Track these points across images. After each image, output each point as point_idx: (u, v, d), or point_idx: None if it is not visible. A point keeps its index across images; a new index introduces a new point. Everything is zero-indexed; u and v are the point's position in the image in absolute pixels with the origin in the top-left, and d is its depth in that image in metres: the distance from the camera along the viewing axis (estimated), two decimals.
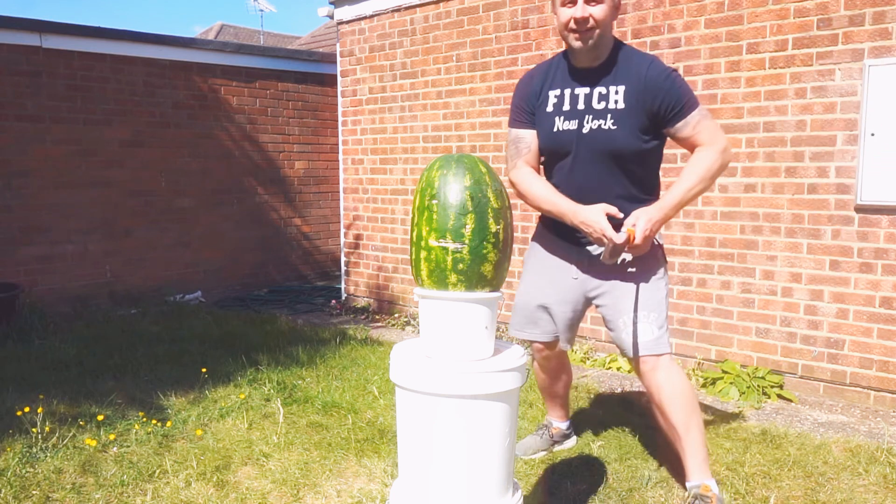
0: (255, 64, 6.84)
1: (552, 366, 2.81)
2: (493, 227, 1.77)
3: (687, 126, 2.35)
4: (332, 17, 6.09)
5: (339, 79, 6.09)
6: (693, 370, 4.09)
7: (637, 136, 2.37)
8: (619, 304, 2.46)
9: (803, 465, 2.79)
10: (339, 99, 6.09)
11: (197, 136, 6.50)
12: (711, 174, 2.35)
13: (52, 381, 3.78)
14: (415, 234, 1.81)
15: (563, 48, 2.50)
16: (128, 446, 2.95)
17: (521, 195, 2.53)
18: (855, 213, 3.58)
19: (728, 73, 3.92)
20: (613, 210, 2.30)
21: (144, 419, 3.19)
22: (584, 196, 2.38)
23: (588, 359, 4.39)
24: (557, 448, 2.98)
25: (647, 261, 2.46)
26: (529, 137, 2.52)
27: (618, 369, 4.21)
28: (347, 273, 6.21)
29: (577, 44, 2.35)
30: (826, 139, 3.64)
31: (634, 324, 2.43)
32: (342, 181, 6.16)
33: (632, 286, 2.46)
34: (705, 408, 3.56)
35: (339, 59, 6.07)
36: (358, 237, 6.07)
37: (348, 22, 5.91)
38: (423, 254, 1.79)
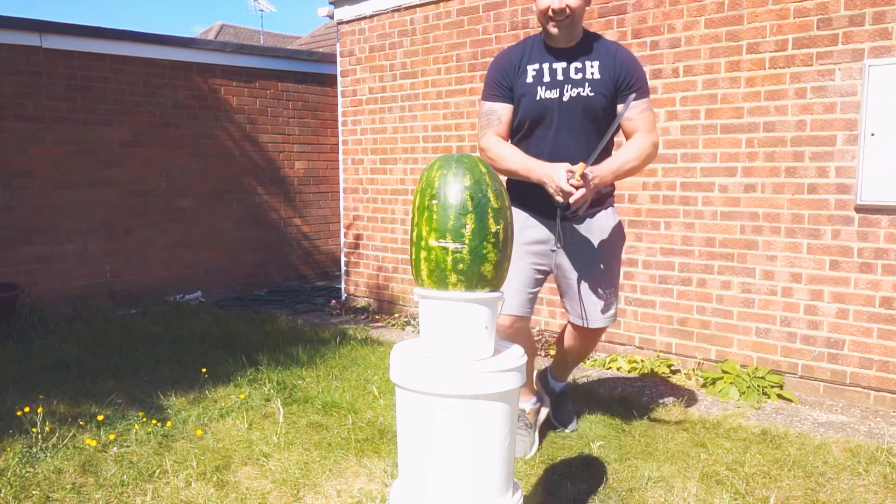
0: (255, 64, 6.84)
1: (520, 339, 2.83)
2: (493, 227, 1.77)
3: (635, 108, 2.66)
4: (332, 17, 6.09)
5: (339, 79, 6.09)
6: (693, 370, 4.09)
7: (610, 102, 2.68)
8: (594, 282, 2.78)
9: (803, 465, 2.79)
10: (339, 99, 6.09)
11: (197, 136, 6.50)
12: (644, 157, 2.65)
13: (52, 381, 3.78)
14: (415, 234, 1.81)
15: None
16: (128, 446, 2.95)
17: (489, 160, 2.68)
18: (855, 213, 3.59)
19: (728, 73, 3.92)
20: (570, 166, 2.50)
21: (144, 419, 3.19)
22: (562, 156, 2.60)
23: (588, 359, 4.39)
24: (541, 423, 3.06)
25: (615, 238, 2.80)
26: (501, 110, 2.74)
27: (618, 369, 4.21)
28: (347, 273, 6.21)
29: (554, 30, 2.63)
30: (826, 139, 3.64)
31: (604, 300, 2.80)
32: (342, 181, 6.16)
33: (602, 265, 2.78)
34: (706, 408, 3.56)
35: (339, 59, 6.07)
36: (358, 237, 6.07)
37: (348, 22, 5.92)
38: (423, 254, 1.79)
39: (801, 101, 3.70)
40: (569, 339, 3.00)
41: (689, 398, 3.71)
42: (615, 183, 2.82)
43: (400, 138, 5.62)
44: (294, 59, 7.23)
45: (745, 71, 3.86)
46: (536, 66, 2.69)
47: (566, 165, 2.48)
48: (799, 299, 3.78)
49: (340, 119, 6.10)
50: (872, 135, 3.47)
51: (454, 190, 1.76)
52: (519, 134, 2.76)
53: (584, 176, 2.42)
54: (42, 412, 3.11)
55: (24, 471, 2.70)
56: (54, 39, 5.62)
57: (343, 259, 6.23)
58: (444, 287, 1.78)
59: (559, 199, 2.49)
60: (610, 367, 4.26)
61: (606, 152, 2.72)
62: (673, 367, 4.16)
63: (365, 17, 5.77)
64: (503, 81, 2.72)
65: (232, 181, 6.76)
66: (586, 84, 2.65)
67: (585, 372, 4.17)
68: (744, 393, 3.67)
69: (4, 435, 3.02)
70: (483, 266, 1.77)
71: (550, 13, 2.58)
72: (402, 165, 5.63)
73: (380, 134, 5.78)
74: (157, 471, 2.72)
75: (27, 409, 3.17)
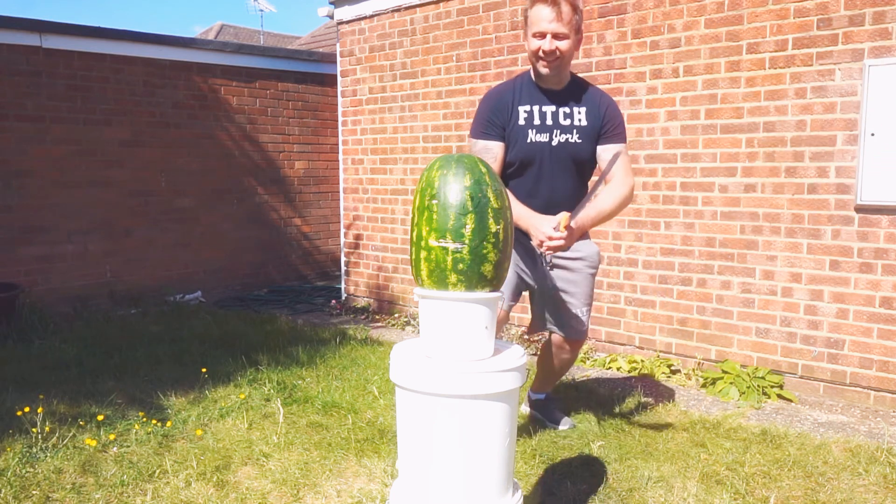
0: (255, 64, 6.84)
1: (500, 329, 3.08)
2: (493, 227, 1.77)
3: (612, 151, 2.77)
4: (332, 17, 6.09)
5: (339, 79, 6.09)
6: (693, 370, 4.09)
7: (594, 148, 2.83)
8: (574, 299, 2.93)
9: (803, 465, 2.79)
10: (339, 99, 6.09)
11: (197, 136, 6.50)
12: (621, 202, 2.75)
13: (52, 381, 3.78)
14: (415, 234, 1.81)
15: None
16: (128, 446, 2.95)
17: None
18: (855, 213, 3.59)
19: (728, 73, 3.92)
20: (558, 222, 2.54)
21: (144, 419, 3.19)
22: (548, 196, 2.77)
23: (588, 359, 4.39)
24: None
25: (593, 263, 2.94)
26: (496, 149, 2.81)
27: (618, 369, 4.21)
28: (347, 273, 6.21)
29: (544, 70, 2.73)
30: (826, 139, 3.64)
31: (583, 315, 2.96)
32: (342, 181, 6.16)
33: (583, 284, 2.92)
34: (706, 408, 3.56)
35: (339, 59, 6.07)
36: (358, 237, 6.07)
37: (348, 22, 5.92)
38: (423, 254, 1.79)
39: (801, 101, 3.70)
40: (555, 355, 3.11)
41: (690, 398, 3.71)
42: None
43: (400, 138, 5.62)
44: (294, 59, 7.23)
45: (745, 71, 3.86)
46: (528, 107, 2.80)
47: (552, 220, 2.56)
48: (799, 299, 3.78)
49: (340, 119, 6.10)
50: (872, 135, 3.47)
51: (454, 190, 1.76)
52: (508, 172, 2.85)
53: (568, 227, 2.52)
54: (42, 412, 3.11)
55: (24, 471, 2.70)
56: (54, 39, 5.62)
57: (343, 259, 6.23)
58: (444, 287, 1.78)
59: (541, 250, 2.61)
60: (610, 367, 4.26)
61: (582, 194, 2.84)
62: (673, 367, 4.16)
63: (365, 17, 5.77)
64: (496, 120, 2.80)
65: (232, 181, 6.76)
66: (574, 131, 2.79)
67: (585, 372, 4.17)
68: (744, 393, 3.67)
69: (4, 435, 3.02)
70: (483, 266, 1.77)
71: (541, 54, 2.68)
72: (402, 165, 5.63)
73: (380, 134, 5.78)
74: (157, 471, 2.72)
75: (27, 409, 3.17)
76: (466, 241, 1.75)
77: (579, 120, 2.80)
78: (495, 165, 2.80)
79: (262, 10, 18.07)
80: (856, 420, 3.42)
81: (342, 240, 6.23)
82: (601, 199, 2.74)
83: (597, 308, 4.54)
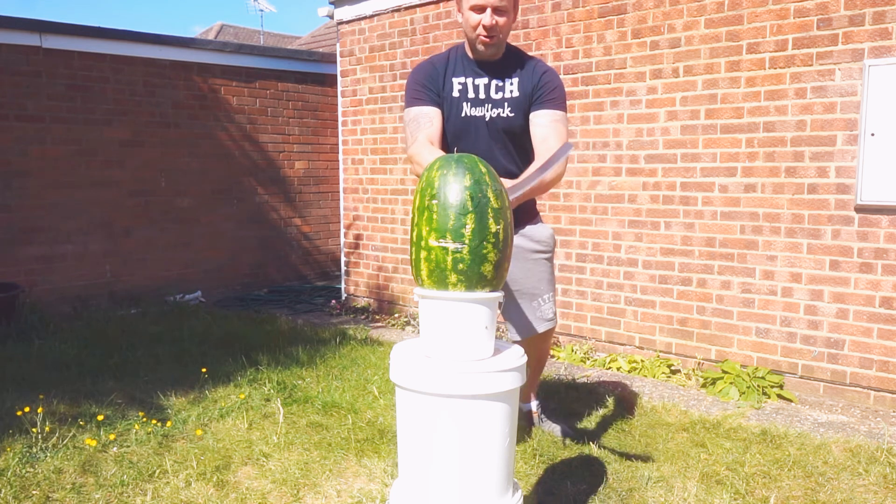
0: (255, 64, 6.84)
1: None
2: (493, 227, 1.77)
3: (546, 116, 2.66)
4: (332, 17, 6.09)
5: (339, 79, 6.09)
6: (693, 370, 4.09)
7: (527, 119, 2.72)
8: (538, 286, 2.81)
9: (803, 465, 2.79)
10: (339, 99, 6.09)
11: (197, 136, 6.50)
12: (561, 174, 2.60)
13: (52, 381, 3.78)
14: (415, 234, 1.81)
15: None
16: (128, 446, 2.95)
17: (416, 171, 2.56)
18: (855, 213, 3.59)
19: (728, 73, 3.92)
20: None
21: (144, 419, 3.19)
22: None
23: (588, 359, 4.39)
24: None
25: (547, 246, 2.83)
26: (433, 113, 2.69)
27: (618, 369, 4.21)
28: (347, 273, 6.21)
29: (481, 47, 2.65)
30: (826, 139, 3.64)
31: (548, 302, 2.83)
32: (342, 181, 6.16)
33: (543, 269, 2.81)
34: (706, 408, 3.56)
35: (339, 59, 6.07)
36: (358, 237, 6.07)
37: (348, 22, 5.92)
38: (423, 254, 1.79)
39: (801, 101, 3.70)
40: (531, 350, 2.88)
41: (690, 398, 3.71)
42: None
43: (400, 138, 5.62)
44: (294, 59, 7.23)
45: (745, 71, 3.86)
46: (462, 79, 2.71)
47: None
48: (799, 299, 3.78)
49: (340, 119, 6.10)
50: (872, 135, 3.47)
51: (454, 190, 1.76)
52: (442, 145, 2.72)
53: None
54: (42, 412, 3.11)
55: (24, 471, 2.70)
56: (54, 39, 5.62)
57: (343, 259, 6.23)
58: (444, 287, 1.78)
59: None
60: (610, 367, 4.26)
61: (528, 162, 2.71)
62: (673, 367, 4.16)
63: (365, 17, 5.77)
64: (431, 86, 2.70)
65: (232, 181, 6.76)
66: (505, 104, 2.70)
67: (585, 372, 4.17)
68: (744, 393, 3.67)
69: (4, 435, 3.02)
70: (483, 266, 1.77)
71: (481, 30, 2.59)
72: (402, 165, 5.63)
73: (380, 134, 5.78)
74: (157, 471, 2.72)
75: (27, 409, 3.17)
76: (466, 241, 1.75)
77: (511, 91, 2.69)
78: (433, 129, 2.65)
79: (262, 10, 18.09)
80: (856, 420, 3.42)
81: (342, 240, 6.23)
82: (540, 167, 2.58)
83: (597, 308, 4.54)
